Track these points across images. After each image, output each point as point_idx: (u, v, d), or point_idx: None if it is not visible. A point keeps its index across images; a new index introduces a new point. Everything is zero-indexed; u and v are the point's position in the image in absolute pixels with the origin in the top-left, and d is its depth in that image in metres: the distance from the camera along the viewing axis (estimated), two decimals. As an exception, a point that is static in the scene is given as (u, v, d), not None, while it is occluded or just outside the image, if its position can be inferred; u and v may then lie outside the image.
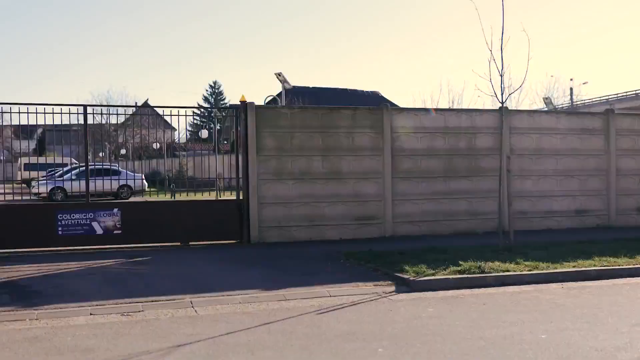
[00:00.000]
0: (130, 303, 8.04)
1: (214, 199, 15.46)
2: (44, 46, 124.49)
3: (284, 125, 13.83)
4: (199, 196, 19.14)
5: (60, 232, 12.60)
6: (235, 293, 8.58)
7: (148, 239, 13.14)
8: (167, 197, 29.36)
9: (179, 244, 13.38)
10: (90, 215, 12.78)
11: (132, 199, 13.54)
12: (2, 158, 31.57)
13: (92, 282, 9.34)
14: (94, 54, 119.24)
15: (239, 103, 13.82)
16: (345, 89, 59.94)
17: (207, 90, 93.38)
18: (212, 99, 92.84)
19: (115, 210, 12.94)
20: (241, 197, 13.81)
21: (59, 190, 31.04)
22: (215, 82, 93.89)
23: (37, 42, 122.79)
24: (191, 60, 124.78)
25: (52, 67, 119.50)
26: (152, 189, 27.21)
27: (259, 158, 13.65)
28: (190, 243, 13.42)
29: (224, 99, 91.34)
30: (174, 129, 71.23)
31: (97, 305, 7.92)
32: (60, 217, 12.59)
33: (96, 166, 33.99)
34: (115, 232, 12.90)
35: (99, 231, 12.81)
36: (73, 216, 12.68)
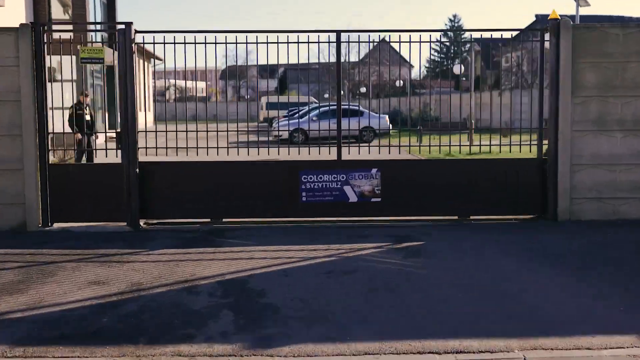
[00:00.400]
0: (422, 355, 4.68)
1: (504, 157, 11.50)
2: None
3: (613, 52, 9.50)
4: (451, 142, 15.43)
5: (304, 199, 9.65)
6: (597, 342, 4.86)
7: (413, 210, 9.79)
8: (414, 142, 26.08)
9: (454, 217, 9.85)
10: (342, 177, 9.68)
11: (393, 157, 9.90)
12: (247, 97, 30.29)
13: (351, 293, 6.14)
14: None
15: (548, 21, 9.67)
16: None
17: (445, 25, 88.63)
18: (451, 34, 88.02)
19: (374, 171, 9.69)
20: (543, 156, 9.87)
21: (300, 132, 29.17)
22: (454, 16, 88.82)
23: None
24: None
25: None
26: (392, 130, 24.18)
27: (574, 100, 9.52)
28: (472, 217, 9.82)
29: (463, 34, 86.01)
30: (411, 65, 67.99)
31: (371, 355, 4.66)
32: (304, 178, 9.61)
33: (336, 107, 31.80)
34: (373, 199, 9.68)
35: (352, 198, 9.68)
36: (321, 178, 9.67)
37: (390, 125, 32.10)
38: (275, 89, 69.93)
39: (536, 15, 50.87)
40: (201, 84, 74.20)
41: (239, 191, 9.65)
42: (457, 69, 32.25)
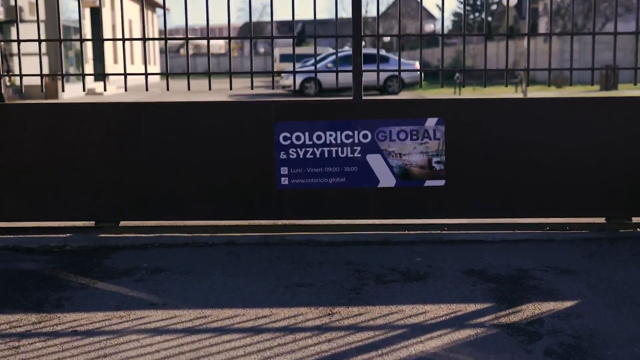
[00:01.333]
0: None
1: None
2: None
3: None
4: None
5: (284, 182, 4.68)
6: None
7: (514, 206, 4.75)
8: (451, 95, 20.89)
9: (599, 220, 4.82)
10: (366, 136, 4.66)
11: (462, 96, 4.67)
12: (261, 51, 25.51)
13: None
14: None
15: None
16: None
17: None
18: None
19: (432, 122, 4.66)
20: None
21: (312, 82, 24.07)
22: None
23: None
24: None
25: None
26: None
27: None
28: (635, 220, 4.80)
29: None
30: (434, 18, 62.55)
31: None
32: (284, 139, 4.65)
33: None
34: (428, 182, 4.67)
35: (386, 180, 4.68)
36: (320, 138, 4.66)
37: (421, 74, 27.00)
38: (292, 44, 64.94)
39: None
40: (215, 41, 69.35)
41: (152, 168, 4.71)
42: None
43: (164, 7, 4.49)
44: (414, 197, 4.71)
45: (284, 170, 4.66)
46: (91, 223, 4.84)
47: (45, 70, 22.94)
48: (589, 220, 4.79)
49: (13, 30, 22.68)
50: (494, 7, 54.95)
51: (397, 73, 22.56)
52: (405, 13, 47.19)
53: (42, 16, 18.92)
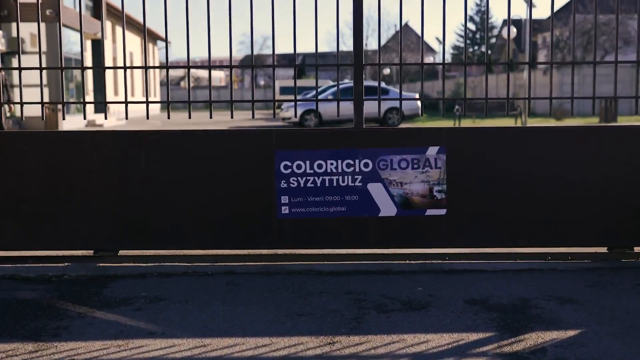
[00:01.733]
0: None
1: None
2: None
3: None
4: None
5: (284, 211, 4.66)
6: None
7: (514, 235, 4.75)
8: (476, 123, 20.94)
9: (600, 250, 4.79)
10: (367, 165, 4.65)
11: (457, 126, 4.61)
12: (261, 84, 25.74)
13: None
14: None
15: None
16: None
17: (471, 9, 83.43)
18: (478, 18, 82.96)
19: (433, 151, 4.66)
20: None
21: (312, 114, 24.18)
22: (481, 0, 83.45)
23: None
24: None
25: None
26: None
27: None
28: (637, 249, 4.78)
29: (491, 17, 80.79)
30: (434, 51, 63.09)
31: None
32: (285, 167, 4.64)
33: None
34: (429, 211, 4.65)
35: (387, 209, 4.66)
36: (321, 166, 4.64)
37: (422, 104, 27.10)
38: (293, 76, 65.52)
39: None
40: (216, 73, 70.03)
41: (152, 196, 4.70)
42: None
43: (165, 39, 4.51)
44: (415, 226, 4.68)
45: (284, 199, 4.64)
46: (90, 252, 4.82)
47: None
48: (590, 250, 4.76)
49: (15, 61, 22.85)
50: (493, 40, 55.47)
51: (397, 105, 22.80)
52: (405, 46, 47.59)
53: (43, 48, 19.35)
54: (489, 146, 4.76)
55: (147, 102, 4.87)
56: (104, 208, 4.69)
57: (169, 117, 4.92)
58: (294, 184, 4.63)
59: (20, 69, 4.82)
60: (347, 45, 65.22)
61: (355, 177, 4.63)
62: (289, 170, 4.63)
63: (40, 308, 3.76)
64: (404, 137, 4.76)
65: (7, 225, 4.72)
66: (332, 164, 4.63)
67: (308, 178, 4.63)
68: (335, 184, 4.63)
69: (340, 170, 4.63)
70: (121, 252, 4.79)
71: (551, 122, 23.53)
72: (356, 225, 4.69)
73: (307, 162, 4.63)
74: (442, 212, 4.65)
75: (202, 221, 4.72)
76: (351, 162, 4.63)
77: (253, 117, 5.02)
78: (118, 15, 34.83)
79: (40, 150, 4.71)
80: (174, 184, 4.69)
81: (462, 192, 4.66)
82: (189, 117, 5.00)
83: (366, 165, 4.62)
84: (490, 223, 4.70)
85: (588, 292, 3.98)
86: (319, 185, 4.64)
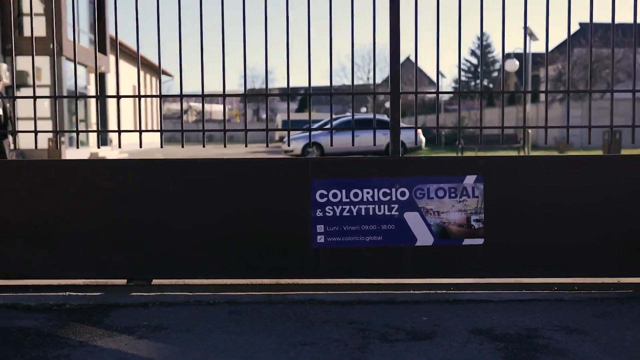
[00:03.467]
0: None
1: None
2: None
3: None
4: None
5: (319, 240, 4.65)
6: None
7: (553, 265, 4.71)
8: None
9: (602, 280, 4.76)
10: (403, 194, 4.63)
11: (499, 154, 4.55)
12: (263, 117, 25.92)
13: None
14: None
15: None
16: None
17: (473, 42, 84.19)
18: (479, 52, 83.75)
19: (470, 180, 4.64)
20: None
21: (314, 147, 24.24)
22: (483, 34, 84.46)
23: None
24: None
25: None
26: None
27: None
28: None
29: (492, 50, 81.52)
30: (433, 83, 63.51)
31: None
32: (321, 196, 4.66)
33: (359, 117, 27.22)
34: (466, 241, 4.64)
35: (424, 238, 4.64)
36: (357, 195, 4.65)
37: (424, 140, 27.21)
38: (296, 110, 66.22)
39: (580, 24, 46.27)
40: (218, 107, 70.62)
41: (183, 225, 4.70)
42: (510, 64, 27.03)
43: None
44: (452, 255, 4.64)
45: (319, 228, 4.62)
46: (123, 281, 4.79)
47: (50, 135, 23.18)
48: (597, 280, 4.72)
49: (18, 94, 23.04)
50: (495, 74, 55.83)
51: (403, 138, 22.48)
52: (407, 80, 47.91)
53: (47, 81, 19.50)
54: (526, 175, 4.71)
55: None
56: (137, 236, 4.67)
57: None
58: (329, 212, 4.61)
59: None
60: (348, 79, 65.88)
61: (392, 206, 4.61)
62: (325, 199, 4.62)
63: (41, 336, 3.71)
64: (442, 165, 4.72)
65: (38, 254, 4.69)
66: (368, 192, 4.61)
67: (344, 207, 4.62)
68: (371, 213, 4.62)
69: (376, 199, 4.61)
70: (155, 281, 4.77)
71: (554, 154, 23.56)
72: (392, 255, 4.65)
73: (343, 191, 4.62)
74: (480, 241, 4.62)
75: (235, 250, 4.68)
76: (388, 190, 4.61)
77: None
78: (123, 50, 35.20)
79: (71, 179, 4.69)
80: (208, 213, 4.67)
81: (500, 221, 4.63)
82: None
83: (403, 194, 4.61)
84: (529, 252, 4.66)
85: (596, 323, 3.93)
86: (354, 214, 4.62)
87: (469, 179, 4.60)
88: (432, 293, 4.57)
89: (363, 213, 4.62)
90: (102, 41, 28.57)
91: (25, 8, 23.69)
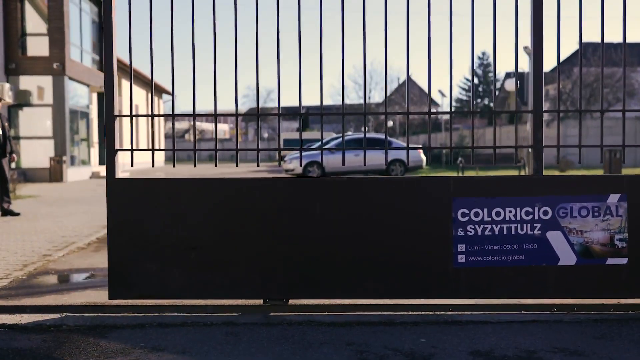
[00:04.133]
0: None
1: None
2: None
3: None
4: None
5: (461, 260, 4.63)
6: None
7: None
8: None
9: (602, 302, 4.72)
10: (546, 213, 4.61)
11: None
12: (265, 136, 25.99)
13: None
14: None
15: None
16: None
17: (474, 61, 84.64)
18: (481, 71, 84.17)
19: (615, 199, 4.60)
20: None
21: (315, 166, 24.27)
22: (483, 54, 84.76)
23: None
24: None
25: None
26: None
27: None
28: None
29: (490, 71, 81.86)
30: (437, 104, 63.68)
31: None
32: (462, 215, 4.63)
33: (360, 136, 27.22)
34: (611, 260, 4.61)
35: (566, 258, 4.61)
36: (499, 214, 4.62)
37: (424, 159, 27.21)
38: (297, 129, 66.29)
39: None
40: (220, 126, 70.81)
41: (325, 243, 4.67)
42: (510, 84, 27.11)
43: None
44: (594, 275, 4.60)
45: (461, 247, 4.60)
46: (259, 301, 4.76)
47: (51, 154, 23.24)
48: (597, 302, 4.69)
49: (21, 114, 23.12)
50: (496, 92, 55.94)
51: (399, 157, 22.62)
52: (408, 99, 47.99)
53: (49, 100, 19.66)
54: None
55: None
56: (274, 256, 4.65)
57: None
58: (471, 232, 4.59)
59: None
60: (351, 98, 66.09)
61: (534, 225, 4.59)
62: (467, 218, 4.60)
63: (37, 358, 3.69)
64: (585, 184, 4.66)
65: (175, 274, 4.66)
66: (510, 211, 4.59)
67: (485, 226, 4.59)
68: (513, 232, 4.59)
69: (519, 218, 4.59)
70: (291, 302, 4.75)
71: (555, 174, 23.57)
72: (534, 275, 4.60)
73: (485, 210, 4.60)
74: (624, 261, 4.58)
75: (374, 270, 4.64)
76: (530, 209, 4.59)
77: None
78: (125, 69, 35.40)
79: (211, 197, 4.69)
80: (348, 231, 4.65)
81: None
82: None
83: (545, 213, 4.59)
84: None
85: (596, 344, 3.90)
86: (496, 233, 4.59)
87: (613, 198, 4.58)
88: (430, 314, 4.54)
89: (505, 232, 4.60)
90: (103, 60, 28.71)
91: (29, 28, 23.87)
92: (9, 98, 20.34)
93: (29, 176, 22.24)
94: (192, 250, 4.63)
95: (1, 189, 10.85)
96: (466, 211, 4.59)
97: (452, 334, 4.11)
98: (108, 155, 4.73)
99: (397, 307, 4.68)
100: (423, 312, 4.57)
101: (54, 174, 22.92)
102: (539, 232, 4.59)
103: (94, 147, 28.31)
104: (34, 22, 24.15)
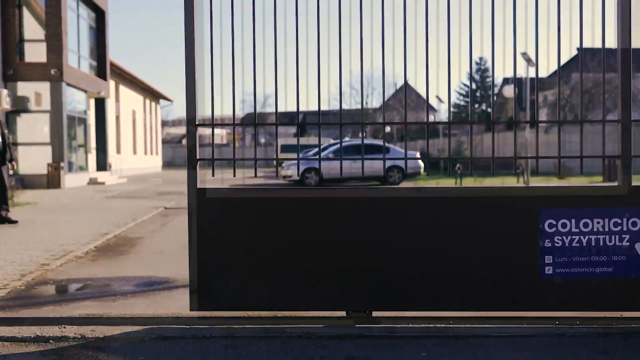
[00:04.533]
0: None
1: None
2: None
3: None
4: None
5: (548, 272, 4.59)
6: None
7: None
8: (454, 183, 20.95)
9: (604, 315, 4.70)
10: (634, 223, 4.57)
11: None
12: (262, 141, 25.97)
13: None
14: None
15: None
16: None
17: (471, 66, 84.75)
18: (478, 76, 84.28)
19: None
20: None
21: (313, 172, 24.24)
22: (481, 59, 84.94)
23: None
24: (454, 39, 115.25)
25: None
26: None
27: None
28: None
29: (488, 76, 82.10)
30: (434, 109, 63.65)
31: None
32: (550, 227, 4.59)
33: (358, 142, 27.23)
34: None
35: None
36: (587, 225, 4.58)
37: (422, 165, 27.19)
38: (294, 134, 66.26)
39: (578, 49, 46.47)
40: (218, 131, 70.72)
41: (408, 256, 4.66)
42: (508, 91, 27.13)
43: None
44: None
45: (548, 259, 4.56)
46: (342, 313, 4.73)
47: (49, 160, 23.17)
48: (600, 314, 4.67)
49: (19, 120, 23.06)
50: (495, 98, 56.03)
51: (397, 164, 22.52)
52: (400, 104, 48.04)
53: (47, 106, 19.63)
54: None
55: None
56: (357, 268, 4.62)
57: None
58: (558, 243, 4.56)
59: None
60: (348, 103, 66.12)
61: (623, 236, 4.56)
62: (554, 229, 4.56)
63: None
64: None
65: (258, 286, 4.66)
66: (598, 222, 4.56)
67: (573, 237, 4.56)
68: (601, 244, 4.56)
69: (607, 229, 4.56)
70: (375, 314, 4.72)
71: (554, 181, 23.58)
72: (621, 287, 4.57)
73: (573, 221, 4.56)
74: None
75: (460, 282, 4.61)
76: (619, 220, 4.55)
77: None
78: (122, 75, 35.40)
79: (295, 210, 4.68)
80: (434, 245, 4.63)
81: None
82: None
83: (634, 224, 4.55)
84: None
85: (598, 359, 3.88)
86: (584, 244, 4.56)
87: None
88: (431, 327, 4.52)
89: (593, 243, 4.57)
90: (101, 66, 28.70)
91: (27, 34, 23.85)
92: (6, 104, 20.33)
93: (26, 182, 22.17)
94: (275, 262, 4.62)
95: (0, 197, 10.82)
96: (553, 222, 4.56)
97: (453, 348, 4.08)
98: (190, 164, 4.68)
99: (400, 319, 4.65)
100: (424, 325, 4.54)
101: (52, 180, 22.87)
102: (628, 243, 4.55)
103: (92, 153, 28.26)
104: (31, 28, 24.13)
